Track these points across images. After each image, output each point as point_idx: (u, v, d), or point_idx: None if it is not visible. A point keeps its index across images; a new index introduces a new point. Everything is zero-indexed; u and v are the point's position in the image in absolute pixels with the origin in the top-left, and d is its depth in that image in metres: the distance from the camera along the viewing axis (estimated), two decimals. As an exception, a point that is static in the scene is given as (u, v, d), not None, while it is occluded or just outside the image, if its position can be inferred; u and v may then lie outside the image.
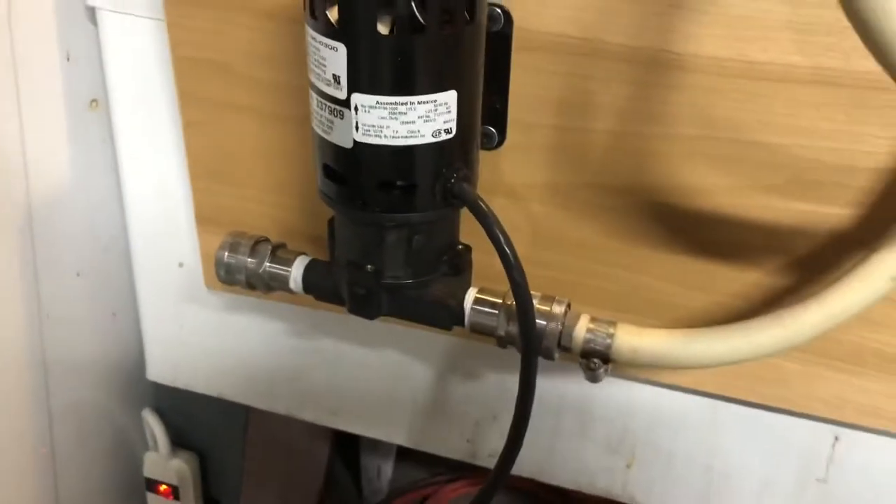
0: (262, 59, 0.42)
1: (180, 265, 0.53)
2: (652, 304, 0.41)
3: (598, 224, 0.40)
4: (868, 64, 0.25)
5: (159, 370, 0.57)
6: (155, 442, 0.59)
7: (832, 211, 0.36)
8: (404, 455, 1.07)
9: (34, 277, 0.50)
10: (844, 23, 0.25)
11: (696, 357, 0.34)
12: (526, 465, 0.50)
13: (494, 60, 0.37)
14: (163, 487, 0.59)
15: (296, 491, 0.93)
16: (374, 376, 0.52)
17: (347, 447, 1.07)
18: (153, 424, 0.58)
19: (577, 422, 0.48)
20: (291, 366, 0.54)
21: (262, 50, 0.42)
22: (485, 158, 0.40)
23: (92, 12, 0.48)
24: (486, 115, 0.39)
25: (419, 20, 0.31)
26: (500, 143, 0.40)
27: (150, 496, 0.59)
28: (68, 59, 0.49)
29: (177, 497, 0.59)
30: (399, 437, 0.54)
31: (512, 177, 0.41)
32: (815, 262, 0.37)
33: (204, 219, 0.49)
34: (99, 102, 0.52)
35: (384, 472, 1.10)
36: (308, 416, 0.55)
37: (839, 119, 0.34)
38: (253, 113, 0.44)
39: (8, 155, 0.47)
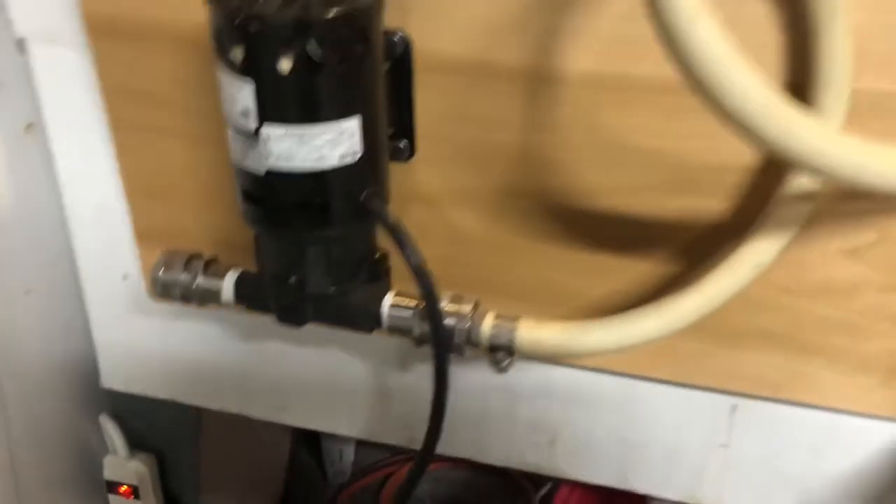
0: (185, 85, 0.45)
1: (124, 277, 0.56)
2: (557, 294, 0.45)
3: (505, 224, 0.44)
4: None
5: (112, 378, 0.60)
6: (114, 445, 0.62)
7: (708, 205, 0.40)
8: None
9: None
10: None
11: (590, 346, 0.38)
12: (460, 445, 0.54)
13: (399, 81, 0.41)
14: (123, 488, 0.62)
15: (259, 480, 0.96)
16: (315, 372, 0.55)
17: (310, 433, 1.11)
18: (110, 429, 0.61)
19: (503, 404, 0.52)
20: (238, 367, 0.57)
21: (183, 76, 0.44)
22: (400, 169, 0.43)
23: (21, 42, 0.50)
24: (397, 130, 0.42)
25: (315, 60, 0.34)
26: (412, 155, 0.43)
27: (112, 497, 0.62)
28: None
29: (137, 496, 0.62)
30: (343, 428, 0.57)
31: (426, 185, 0.44)
32: (697, 251, 0.41)
33: (142, 235, 0.52)
34: (35, 125, 0.54)
35: (346, 455, 1.14)
36: (257, 413, 0.58)
37: (710, 122, 0.38)
38: (180, 135, 0.47)
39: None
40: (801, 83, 0.35)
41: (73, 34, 0.47)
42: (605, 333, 0.37)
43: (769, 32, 0.36)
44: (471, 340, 0.40)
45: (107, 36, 0.45)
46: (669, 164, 0.39)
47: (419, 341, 0.40)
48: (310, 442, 1.13)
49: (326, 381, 0.56)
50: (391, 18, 0.39)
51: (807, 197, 0.37)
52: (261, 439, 0.92)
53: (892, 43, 0.35)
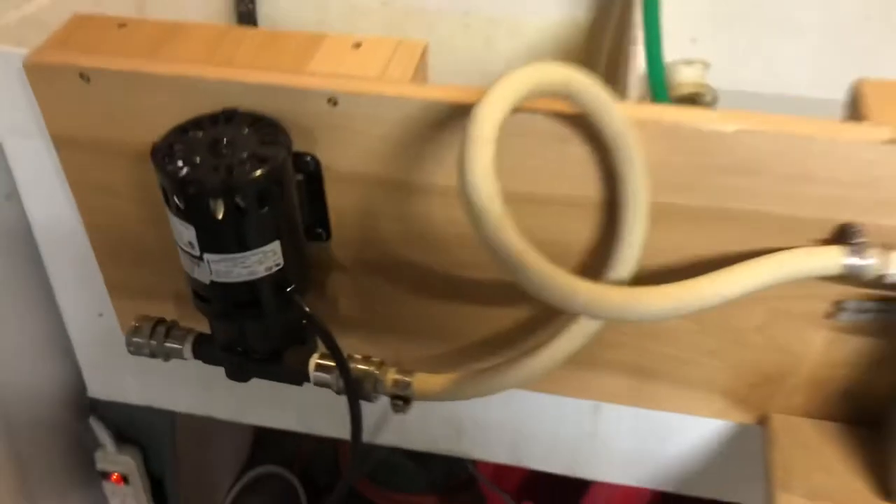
0: (140, 183, 0.54)
1: (100, 315, 0.66)
2: (444, 332, 0.57)
3: (397, 284, 0.55)
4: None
5: (97, 389, 0.72)
6: (103, 441, 0.74)
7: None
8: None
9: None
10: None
11: (465, 393, 0.51)
12: (386, 436, 0.67)
13: (313, 188, 0.51)
14: (114, 476, 0.74)
15: (229, 451, 1.10)
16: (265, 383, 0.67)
17: None
18: (98, 429, 0.73)
19: (420, 407, 0.64)
20: (202, 379, 0.69)
21: (137, 177, 0.54)
22: (321, 248, 0.54)
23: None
24: (315, 221, 0.53)
25: (242, 208, 0.44)
26: (329, 238, 0.54)
27: (105, 484, 0.75)
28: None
29: (127, 482, 0.75)
30: (291, 424, 0.70)
31: (340, 258, 0.55)
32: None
33: (113, 287, 0.62)
34: (12, 196, 0.63)
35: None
36: (221, 416, 0.70)
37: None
38: (139, 219, 0.56)
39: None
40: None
41: (41, 132, 0.56)
42: (474, 387, 0.50)
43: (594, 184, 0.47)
44: (377, 391, 0.52)
45: (69, 146, 0.54)
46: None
47: (339, 392, 0.52)
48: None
49: (274, 387, 0.68)
50: (304, 144, 0.49)
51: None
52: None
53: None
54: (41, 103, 0.52)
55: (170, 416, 0.75)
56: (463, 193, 0.40)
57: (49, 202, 0.61)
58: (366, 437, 0.66)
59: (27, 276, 0.67)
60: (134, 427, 0.75)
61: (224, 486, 1.11)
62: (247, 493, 1.15)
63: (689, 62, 0.84)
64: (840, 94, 0.81)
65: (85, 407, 0.74)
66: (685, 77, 0.84)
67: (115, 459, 0.74)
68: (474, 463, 0.93)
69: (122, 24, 0.53)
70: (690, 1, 0.86)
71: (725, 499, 0.63)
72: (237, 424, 1.00)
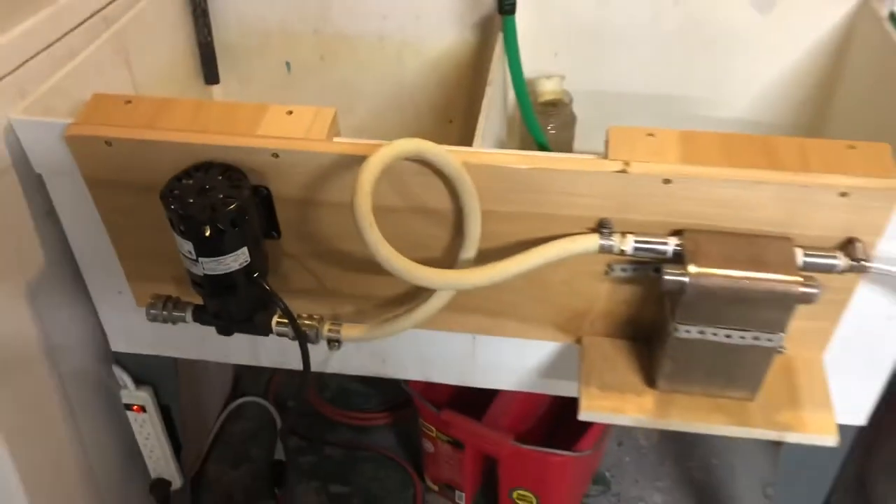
0: (144, 207, 0.80)
1: (120, 292, 0.93)
2: (362, 295, 0.84)
3: (329, 264, 0.82)
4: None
5: (118, 344, 0.99)
6: (125, 383, 1.01)
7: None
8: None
9: (33, 306, 0.89)
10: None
11: (376, 336, 0.78)
12: (332, 365, 0.95)
13: (268, 207, 0.77)
14: (135, 408, 1.02)
15: (216, 385, 1.38)
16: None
17: None
18: (120, 374, 1.00)
19: (355, 344, 0.92)
20: (197, 334, 0.95)
21: (143, 203, 0.80)
22: (275, 244, 0.80)
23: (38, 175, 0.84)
24: (270, 226, 0.79)
25: (222, 230, 0.70)
26: (279, 237, 0.80)
27: (129, 414, 1.03)
28: (31, 199, 0.85)
29: (145, 411, 1.02)
30: (262, 361, 0.97)
31: (289, 249, 0.82)
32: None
33: (130, 274, 0.88)
34: (50, 213, 0.88)
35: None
36: (211, 358, 0.98)
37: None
38: (150, 227, 0.82)
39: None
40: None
41: (75, 171, 0.81)
42: (382, 331, 0.78)
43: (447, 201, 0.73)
44: (318, 337, 0.79)
45: (97, 184, 0.79)
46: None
47: (292, 339, 0.80)
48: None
49: (251, 337, 0.95)
50: (259, 180, 0.75)
51: (470, 259, 0.76)
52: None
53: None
54: (77, 158, 0.77)
55: (173, 362, 1.02)
56: (356, 225, 0.66)
57: (78, 217, 0.86)
58: (317, 366, 0.94)
59: (64, 270, 0.92)
60: (147, 371, 1.01)
61: (214, 412, 1.40)
62: (232, 418, 1.44)
63: (549, 77, 1.11)
64: (663, 90, 1.11)
65: (109, 358, 1.01)
66: (547, 88, 1.11)
67: (135, 395, 1.01)
68: (407, 383, 1.22)
69: (128, 101, 0.78)
70: (552, 24, 1.11)
71: (562, 394, 0.92)
72: (222, 365, 1.28)
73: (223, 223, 0.70)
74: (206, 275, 0.74)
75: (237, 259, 0.73)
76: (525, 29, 1.06)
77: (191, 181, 0.72)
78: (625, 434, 1.42)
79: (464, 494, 1.28)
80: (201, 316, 0.82)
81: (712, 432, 0.79)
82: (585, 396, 0.80)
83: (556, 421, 1.29)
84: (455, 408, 1.19)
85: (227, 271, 0.73)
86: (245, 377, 1.52)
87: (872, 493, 1.10)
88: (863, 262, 0.70)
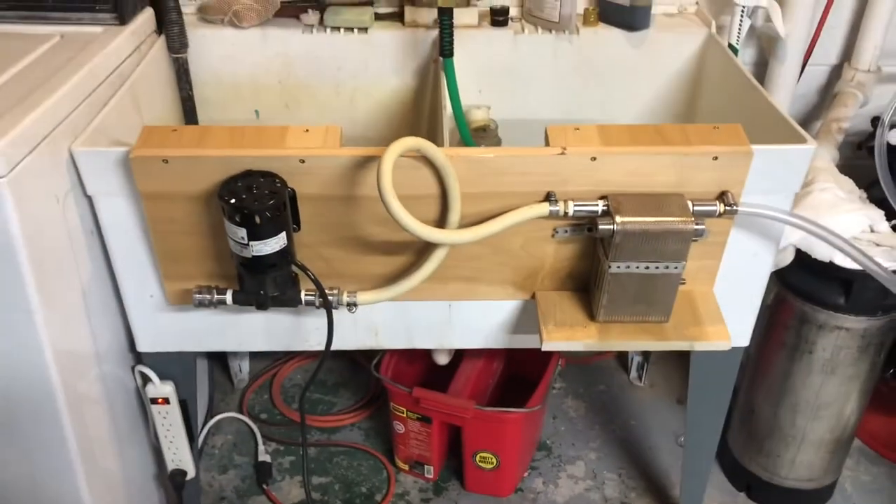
0: (191, 213, 1.00)
1: (151, 296, 1.11)
2: (368, 270, 1.06)
3: (340, 249, 1.04)
4: (405, 219, 0.91)
5: (144, 345, 1.16)
6: (150, 379, 1.18)
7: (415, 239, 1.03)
8: (254, 354, 1.72)
9: (87, 315, 1.07)
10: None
11: (383, 298, 1.01)
12: (336, 344, 1.15)
13: (294, 204, 0.99)
14: (160, 400, 1.19)
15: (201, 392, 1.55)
16: (252, 328, 1.14)
17: (218, 360, 1.70)
18: (147, 371, 1.17)
19: (350, 319, 1.13)
20: (217, 328, 1.14)
21: (189, 212, 1.00)
22: (297, 235, 1.02)
23: (89, 197, 1.03)
24: (294, 220, 1.01)
25: (268, 217, 0.92)
26: (299, 229, 1.02)
27: (154, 407, 1.19)
28: (81, 219, 1.04)
29: (168, 403, 1.19)
30: (263, 346, 1.16)
31: (307, 238, 1.03)
32: (419, 252, 1.04)
33: (166, 274, 1.07)
34: (94, 231, 1.06)
35: (243, 367, 1.73)
36: (230, 347, 1.16)
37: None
38: (188, 233, 1.02)
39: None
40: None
41: (121, 191, 1.00)
42: (387, 293, 1.01)
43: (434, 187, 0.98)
44: (340, 304, 1.01)
45: (150, 198, 0.99)
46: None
47: (318, 308, 1.01)
48: (221, 365, 1.72)
49: (257, 327, 1.15)
50: (288, 182, 0.97)
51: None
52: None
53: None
54: (136, 176, 0.97)
55: (193, 360, 1.20)
56: (382, 197, 0.90)
57: (120, 232, 1.05)
58: (319, 346, 1.14)
59: (101, 283, 1.10)
60: (168, 368, 1.19)
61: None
62: (212, 434, 1.59)
63: (478, 106, 1.38)
64: (566, 114, 1.40)
65: (136, 358, 1.18)
66: (477, 116, 1.38)
67: (160, 389, 1.18)
68: (378, 370, 1.43)
69: (174, 129, 0.99)
70: (477, 68, 1.39)
71: (522, 346, 1.17)
72: (201, 387, 1.44)
73: (270, 212, 0.92)
74: (253, 256, 0.95)
75: (278, 242, 0.95)
76: (456, 70, 1.33)
77: (239, 184, 0.94)
78: (557, 409, 1.67)
79: (432, 468, 1.48)
80: (240, 297, 1.02)
81: (641, 348, 1.06)
82: (545, 332, 1.05)
83: (505, 391, 1.53)
84: (420, 385, 1.40)
85: (271, 251, 0.95)
86: (217, 398, 1.68)
87: (759, 414, 1.39)
88: (733, 207, 0.99)
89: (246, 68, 1.39)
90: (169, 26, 1.28)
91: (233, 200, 0.92)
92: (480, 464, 1.44)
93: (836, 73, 1.54)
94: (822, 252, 1.19)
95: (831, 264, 1.18)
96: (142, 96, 1.19)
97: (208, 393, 1.63)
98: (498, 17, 1.38)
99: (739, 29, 1.38)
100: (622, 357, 1.78)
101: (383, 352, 1.47)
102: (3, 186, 0.87)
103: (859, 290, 1.20)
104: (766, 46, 1.49)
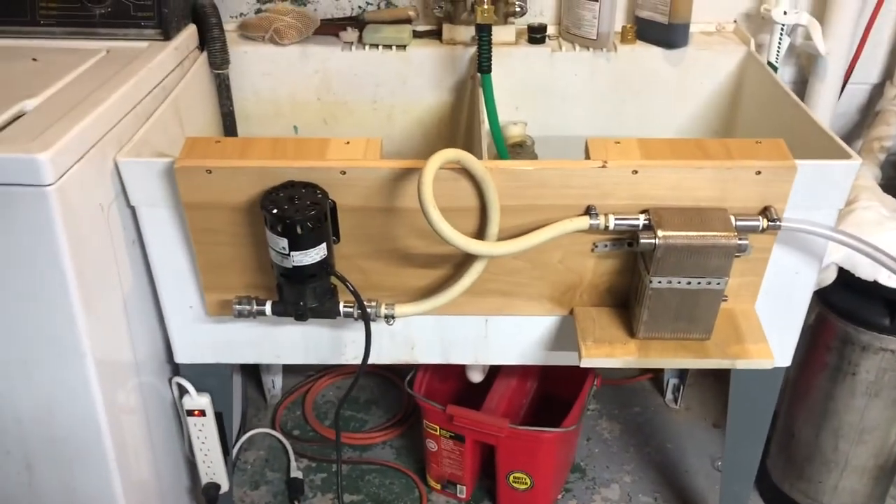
0: (232, 224, 1.01)
1: (190, 307, 1.12)
2: (405, 283, 1.06)
3: (377, 261, 1.04)
4: (446, 230, 0.91)
5: (182, 356, 1.16)
6: (187, 390, 1.18)
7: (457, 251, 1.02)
8: (287, 370, 1.72)
9: (128, 325, 1.07)
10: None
11: (421, 310, 1.01)
12: (372, 358, 1.15)
13: (334, 215, 1.00)
14: (196, 412, 1.19)
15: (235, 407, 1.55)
16: (291, 336, 1.14)
17: (252, 376, 1.71)
18: (184, 383, 1.18)
19: (389, 333, 1.13)
20: (254, 340, 1.15)
21: (231, 220, 1.01)
22: (336, 247, 1.02)
23: (132, 207, 1.04)
24: (334, 232, 1.01)
25: (310, 228, 0.92)
26: (338, 240, 1.02)
27: (190, 419, 1.19)
28: (124, 229, 1.05)
29: (204, 415, 1.19)
30: (301, 359, 1.16)
31: (346, 250, 1.03)
32: (458, 266, 1.04)
33: (206, 286, 1.08)
34: (136, 241, 1.08)
35: (276, 383, 1.73)
36: (266, 360, 1.16)
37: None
38: (228, 244, 1.03)
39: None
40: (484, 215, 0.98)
41: (164, 202, 1.01)
42: (425, 306, 1.00)
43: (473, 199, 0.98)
44: (378, 316, 1.01)
45: (194, 208, 1.00)
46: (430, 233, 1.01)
47: (356, 319, 1.01)
48: (254, 381, 1.72)
49: (292, 340, 1.15)
50: (328, 193, 0.98)
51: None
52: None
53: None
54: (180, 186, 0.98)
55: (230, 373, 1.20)
56: (422, 207, 0.90)
57: (162, 243, 1.06)
58: (356, 360, 1.14)
59: (141, 293, 1.11)
60: (205, 380, 1.19)
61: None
62: (244, 450, 1.59)
63: (515, 123, 1.38)
64: (603, 131, 1.40)
65: (167, 372, 1.19)
66: (513, 132, 1.38)
67: (197, 401, 1.18)
68: (412, 387, 1.42)
69: (217, 141, 1.00)
70: (514, 85, 1.39)
71: (559, 363, 1.15)
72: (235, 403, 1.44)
73: (312, 222, 0.93)
74: (294, 266, 0.95)
75: (319, 252, 0.95)
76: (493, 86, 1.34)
77: (281, 194, 0.94)
78: (591, 430, 1.65)
79: (465, 487, 1.47)
80: (279, 308, 1.02)
81: (681, 366, 1.04)
82: (584, 348, 1.04)
83: (539, 410, 1.52)
84: (455, 402, 1.39)
85: (311, 262, 0.95)
86: (249, 413, 1.68)
87: (800, 438, 1.36)
88: (777, 222, 0.98)
89: (285, 85, 1.41)
90: (211, 43, 1.30)
91: (275, 210, 0.92)
92: (514, 484, 1.42)
93: (877, 91, 1.52)
94: (865, 271, 1.17)
95: (875, 283, 1.16)
96: (184, 110, 1.21)
97: (242, 408, 1.63)
98: (535, 35, 1.39)
99: (779, 47, 1.37)
100: (657, 379, 1.76)
101: (416, 368, 1.46)
102: (51, 194, 0.88)
103: (904, 310, 1.18)
104: (806, 65, 1.48)
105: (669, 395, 1.71)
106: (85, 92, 1.03)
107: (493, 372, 1.47)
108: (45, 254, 0.91)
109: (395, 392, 1.74)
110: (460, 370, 1.41)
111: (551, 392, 1.56)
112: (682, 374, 1.68)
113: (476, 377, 1.41)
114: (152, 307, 1.14)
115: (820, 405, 1.31)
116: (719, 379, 1.72)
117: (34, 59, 1.14)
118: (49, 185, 0.88)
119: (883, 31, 1.47)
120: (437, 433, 1.42)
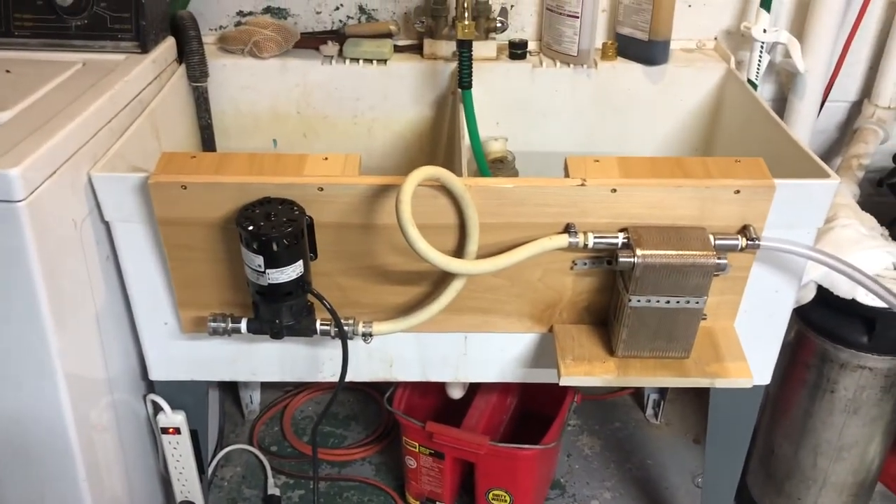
0: (207, 240, 1.00)
1: (165, 324, 1.10)
2: (383, 300, 1.05)
3: (354, 278, 1.03)
4: (424, 248, 0.90)
5: (157, 373, 1.15)
6: (162, 408, 1.16)
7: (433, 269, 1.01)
8: (265, 385, 1.70)
9: (101, 342, 1.06)
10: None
11: (399, 328, 1.00)
12: (349, 375, 1.14)
13: (311, 231, 0.98)
14: (171, 430, 1.17)
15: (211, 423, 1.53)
16: (264, 357, 1.13)
17: (229, 391, 1.69)
18: (159, 400, 1.16)
19: (366, 349, 1.12)
20: (225, 359, 1.13)
21: (206, 236, 0.99)
22: (313, 263, 1.01)
23: (107, 223, 1.02)
24: (311, 248, 1.00)
25: (286, 245, 0.91)
26: (315, 257, 1.01)
27: (165, 437, 1.18)
28: (97, 245, 1.03)
29: (179, 433, 1.17)
30: (277, 376, 1.15)
31: (324, 267, 1.02)
32: (436, 283, 1.03)
33: (181, 302, 1.06)
34: (110, 257, 1.06)
35: (254, 398, 1.72)
36: (241, 377, 1.15)
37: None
38: (203, 259, 1.01)
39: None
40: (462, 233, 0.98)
41: (139, 217, 1.00)
42: (403, 324, 0.99)
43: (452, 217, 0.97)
44: (355, 334, 1.00)
45: (168, 224, 0.99)
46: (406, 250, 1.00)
47: (333, 337, 1.00)
48: (232, 396, 1.70)
49: (268, 357, 1.13)
50: (306, 210, 0.97)
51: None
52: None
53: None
54: (155, 202, 0.97)
55: (205, 390, 1.19)
56: (400, 225, 0.89)
57: (137, 258, 1.04)
58: (334, 377, 1.13)
59: (115, 309, 1.09)
60: (179, 398, 1.17)
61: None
62: (221, 466, 1.57)
63: (496, 138, 1.38)
64: (583, 147, 1.39)
65: (147, 387, 1.17)
66: (494, 148, 1.38)
67: (171, 419, 1.16)
68: (391, 404, 1.41)
69: (193, 156, 0.99)
70: (495, 100, 1.39)
71: (538, 381, 1.15)
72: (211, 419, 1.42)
73: (288, 239, 0.91)
74: (269, 284, 0.94)
75: (295, 270, 0.94)
76: (474, 102, 1.33)
77: (257, 211, 0.93)
78: (571, 446, 1.64)
79: (444, 504, 1.46)
80: (255, 325, 1.01)
81: (660, 384, 1.04)
82: (563, 366, 1.03)
83: (520, 426, 1.51)
84: (434, 419, 1.38)
85: (287, 279, 0.94)
86: (227, 429, 1.66)
87: (780, 455, 1.36)
88: (755, 241, 0.97)
89: (265, 98, 1.40)
90: (190, 55, 1.29)
91: (250, 227, 0.91)
92: (493, 501, 1.41)
93: (856, 109, 1.53)
94: (844, 289, 1.17)
95: (854, 301, 1.16)
96: (161, 124, 1.19)
97: (219, 424, 1.61)
98: (516, 51, 1.39)
99: (759, 65, 1.38)
100: (638, 394, 1.75)
101: (396, 385, 1.45)
102: (22, 210, 0.87)
103: (882, 328, 1.18)
104: (786, 82, 1.48)
105: (650, 411, 1.71)
106: (59, 105, 1.02)
107: (474, 388, 1.46)
108: (15, 270, 0.90)
109: (375, 407, 1.72)
110: (440, 386, 1.40)
111: (532, 408, 1.55)
112: (663, 389, 1.67)
113: (456, 394, 1.40)
114: (126, 324, 1.12)
115: (799, 422, 1.31)
116: (700, 395, 1.72)
117: (7, 71, 1.12)
118: (20, 200, 0.86)
119: (861, 49, 1.48)
120: (417, 450, 1.41)
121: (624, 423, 1.70)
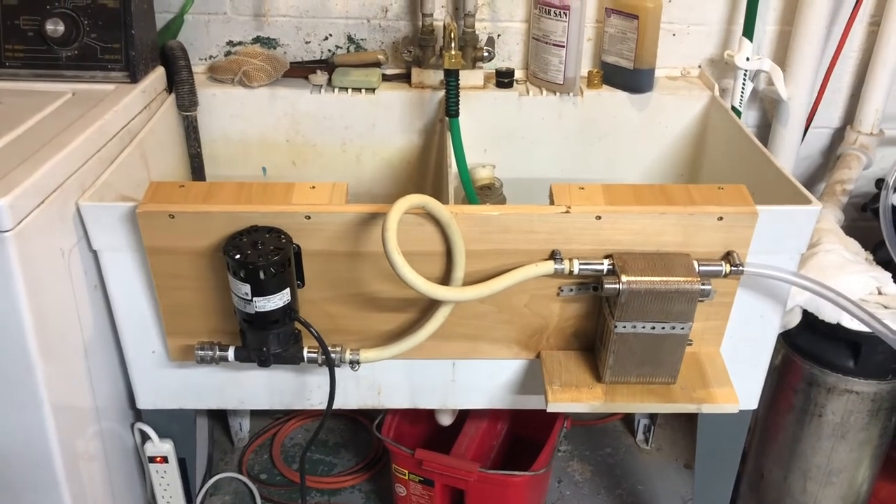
0: (195, 269, 1.00)
1: (153, 352, 1.10)
2: (378, 333, 1.05)
3: (342, 306, 1.04)
4: (410, 276, 0.91)
5: (145, 402, 1.15)
6: (149, 437, 1.16)
7: (420, 296, 1.02)
8: (254, 412, 1.70)
9: (88, 371, 1.06)
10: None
11: (387, 356, 1.00)
12: (337, 402, 1.14)
13: (298, 259, 0.99)
14: (158, 459, 1.16)
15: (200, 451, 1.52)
16: (253, 386, 1.13)
17: (218, 418, 1.68)
18: (146, 429, 1.16)
19: (353, 376, 1.12)
20: (213, 387, 1.13)
21: (194, 264, 1.00)
22: (301, 291, 1.01)
23: (95, 252, 1.03)
24: (298, 276, 1.01)
25: (273, 274, 0.92)
26: (303, 284, 1.02)
27: (152, 466, 1.17)
28: (85, 273, 1.03)
29: (167, 461, 1.17)
30: (265, 404, 1.15)
31: (312, 294, 1.03)
32: (424, 310, 1.03)
33: (169, 330, 1.06)
34: (98, 286, 1.06)
35: (244, 425, 1.71)
36: (230, 405, 1.15)
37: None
38: (191, 288, 1.02)
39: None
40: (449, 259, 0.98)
41: (127, 246, 1.00)
42: (390, 351, 0.99)
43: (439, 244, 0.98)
44: (343, 361, 1.00)
45: (156, 253, 0.99)
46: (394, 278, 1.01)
47: (320, 364, 1.00)
48: (221, 424, 1.69)
49: (264, 383, 1.13)
50: (293, 238, 0.97)
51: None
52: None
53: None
54: (143, 231, 0.97)
55: (193, 418, 1.18)
56: (387, 253, 0.90)
57: (125, 287, 1.05)
58: (322, 405, 1.13)
59: (103, 338, 1.09)
60: (167, 426, 1.17)
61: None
62: (209, 494, 1.56)
63: (483, 165, 1.39)
64: (570, 174, 1.40)
65: (135, 415, 1.17)
66: (482, 175, 1.39)
67: (158, 448, 1.16)
68: (380, 430, 1.41)
69: (181, 185, 1.00)
70: (482, 128, 1.40)
71: (526, 407, 1.15)
72: (200, 447, 1.42)
73: (275, 268, 0.92)
74: (256, 312, 0.94)
75: (282, 298, 0.94)
76: (461, 130, 1.35)
77: (244, 239, 0.94)
78: (562, 472, 1.64)
79: (434, 532, 1.45)
80: (242, 353, 1.01)
81: (648, 410, 1.04)
82: (551, 393, 1.03)
83: (509, 453, 1.51)
84: (423, 446, 1.38)
85: (274, 307, 0.94)
86: (216, 456, 1.65)
87: (769, 479, 1.36)
88: (739, 267, 0.98)
89: (254, 127, 1.41)
90: (179, 85, 1.30)
91: (237, 256, 0.92)
92: (484, 529, 1.41)
93: (838, 135, 1.55)
94: (829, 314, 1.18)
95: (839, 326, 1.17)
96: (150, 153, 1.20)
97: (208, 452, 1.60)
98: (503, 79, 1.40)
99: (742, 92, 1.40)
100: (628, 419, 1.75)
101: (385, 412, 1.44)
102: (9, 240, 0.87)
103: (868, 353, 1.18)
104: (769, 109, 1.50)
105: (640, 436, 1.70)
106: (48, 135, 1.03)
107: (463, 415, 1.45)
108: (1, 300, 0.90)
109: (365, 434, 1.72)
110: (430, 413, 1.40)
111: (522, 433, 1.54)
112: (653, 414, 1.67)
113: (445, 420, 1.40)
114: (114, 352, 1.12)
115: (788, 447, 1.31)
116: (690, 419, 1.72)
117: (-2, 102, 1.13)
118: (7, 231, 0.87)
119: (843, 77, 1.50)
120: (406, 477, 1.41)
121: (614, 449, 1.70)
